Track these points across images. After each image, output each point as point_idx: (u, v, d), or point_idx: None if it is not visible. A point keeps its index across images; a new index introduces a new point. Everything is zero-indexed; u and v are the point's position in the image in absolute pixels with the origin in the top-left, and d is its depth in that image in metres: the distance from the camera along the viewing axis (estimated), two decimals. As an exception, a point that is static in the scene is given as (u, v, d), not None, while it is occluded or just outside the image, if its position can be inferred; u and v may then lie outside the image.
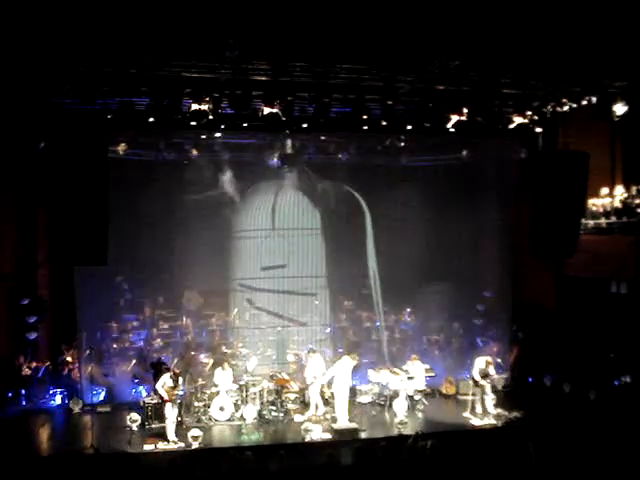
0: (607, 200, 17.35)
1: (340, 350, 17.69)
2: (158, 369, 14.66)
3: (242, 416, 14.43)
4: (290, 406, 14.72)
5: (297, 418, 14.49)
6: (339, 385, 14.06)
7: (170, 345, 17.75)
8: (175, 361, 16.78)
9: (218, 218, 17.73)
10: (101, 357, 16.67)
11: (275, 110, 13.19)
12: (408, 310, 20.27)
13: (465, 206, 18.51)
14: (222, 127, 13.64)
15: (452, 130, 14.59)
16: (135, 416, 13.41)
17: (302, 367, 16.01)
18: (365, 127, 14.21)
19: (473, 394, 15.07)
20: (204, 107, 12.92)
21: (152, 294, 18.70)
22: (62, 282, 16.53)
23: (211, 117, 13.22)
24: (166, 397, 12.79)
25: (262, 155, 18.87)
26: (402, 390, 14.96)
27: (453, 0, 10.86)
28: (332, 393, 14.59)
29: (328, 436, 13.21)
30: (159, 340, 18.06)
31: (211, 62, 12.36)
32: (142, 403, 14.11)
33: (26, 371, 15.34)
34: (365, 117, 13.98)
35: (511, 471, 10.26)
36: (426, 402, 15.39)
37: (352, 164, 19.80)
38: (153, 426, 13.51)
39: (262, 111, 13.30)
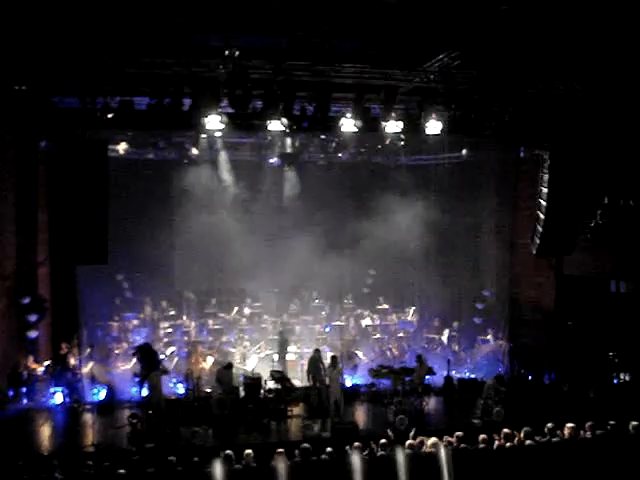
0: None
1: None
2: (145, 353, 14.55)
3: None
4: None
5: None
6: None
7: (171, 344, 17.78)
8: (175, 360, 16.83)
9: (218, 217, 17.76)
10: (108, 354, 16.72)
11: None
12: (408, 309, 20.33)
13: (465, 205, 18.55)
14: (222, 126, 13.61)
15: (452, 129, 14.61)
16: (135, 414, 13.44)
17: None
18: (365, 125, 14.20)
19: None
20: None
21: (152, 293, 18.73)
22: (63, 281, 16.56)
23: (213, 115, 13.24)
24: None
25: (262, 154, 18.94)
26: None
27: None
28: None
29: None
30: (160, 339, 18.10)
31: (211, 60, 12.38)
32: None
33: (27, 369, 15.37)
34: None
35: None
36: (427, 401, 15.42)
37: (352, 163, 19.87)
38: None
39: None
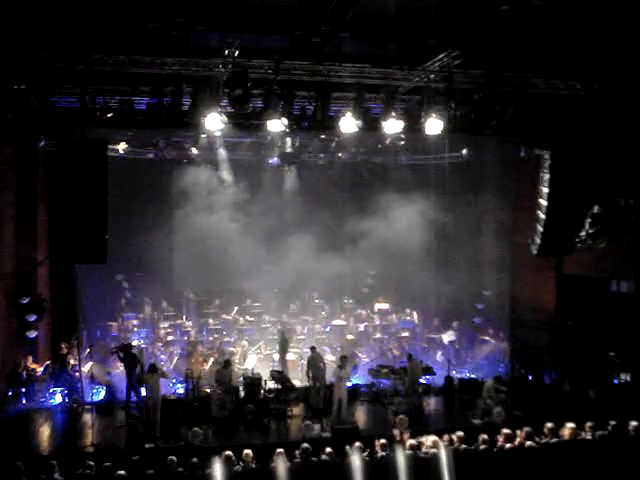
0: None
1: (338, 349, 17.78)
2: (127, 352, 14.64)
3: None
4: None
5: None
6: None
7: (171, 344, 17.76)
8: (175, 360, 16.82)
9: (217, 216, 17.76)
10: (107, 354, 16.69)
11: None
12: (408, 310, 20.31)
13: (465, 205, 18.53)
14: (222, 125, 13.59)
15: (452, 129, 14.59)
16: (135, 414, 13.43)
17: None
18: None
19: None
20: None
21: (152, 293, 18.72)
22: (62, 281, 16.54)
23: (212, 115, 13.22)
24: None
25: (262, 154, 18.93)
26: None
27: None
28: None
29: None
30: (160, 339, 18.08)
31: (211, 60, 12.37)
32: None
33: (26, 370, 15.34)
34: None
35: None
36: (427, 401, 15.41)
37: (352, 163, 19.87)
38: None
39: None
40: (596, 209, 14.95)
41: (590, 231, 15.00)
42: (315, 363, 15.14)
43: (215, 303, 19.50)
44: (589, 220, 14.99)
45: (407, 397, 14.93)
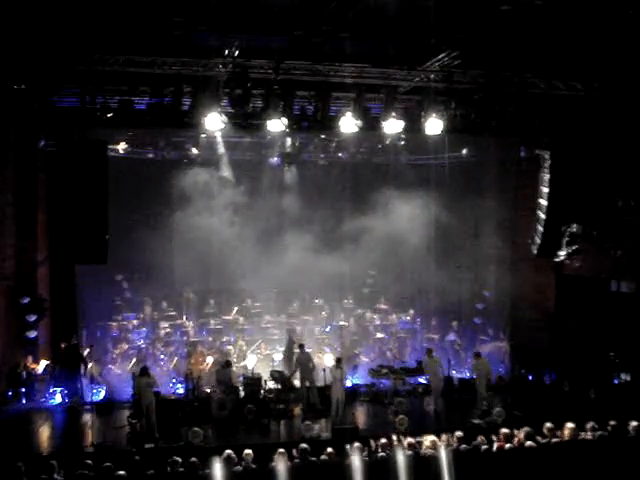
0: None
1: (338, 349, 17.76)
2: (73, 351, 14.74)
3: None
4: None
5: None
6: None
7: (170, 344, 17.76)
8: (175, 360, 16.80)
9: (217, 216, 17.75)
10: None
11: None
12: (408, 309, 20.30)
13: (465, 205, 18.54)
14: (222, 125, 13.60)
15: (452, 129, 14.61)
16: (135, 414, 13.41)
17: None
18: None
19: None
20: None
21: (152, 293, 18.71)
22: (62, 281, 16.55)
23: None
24: None
25: (262, 154, 18.93)
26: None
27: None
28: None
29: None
30: (160, 339, 18.08)
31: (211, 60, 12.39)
32: None
33: (26, 370, 15.34)
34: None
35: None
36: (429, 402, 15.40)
37: (352, 162, 19.87)
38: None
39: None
40: (575, 228, 14.93)
41: (568, 250, 15.03)
42: (304, 362, 15.11)
43: (215, 303, 19.47)
44: (567, 239, 14.98)
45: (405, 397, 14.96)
